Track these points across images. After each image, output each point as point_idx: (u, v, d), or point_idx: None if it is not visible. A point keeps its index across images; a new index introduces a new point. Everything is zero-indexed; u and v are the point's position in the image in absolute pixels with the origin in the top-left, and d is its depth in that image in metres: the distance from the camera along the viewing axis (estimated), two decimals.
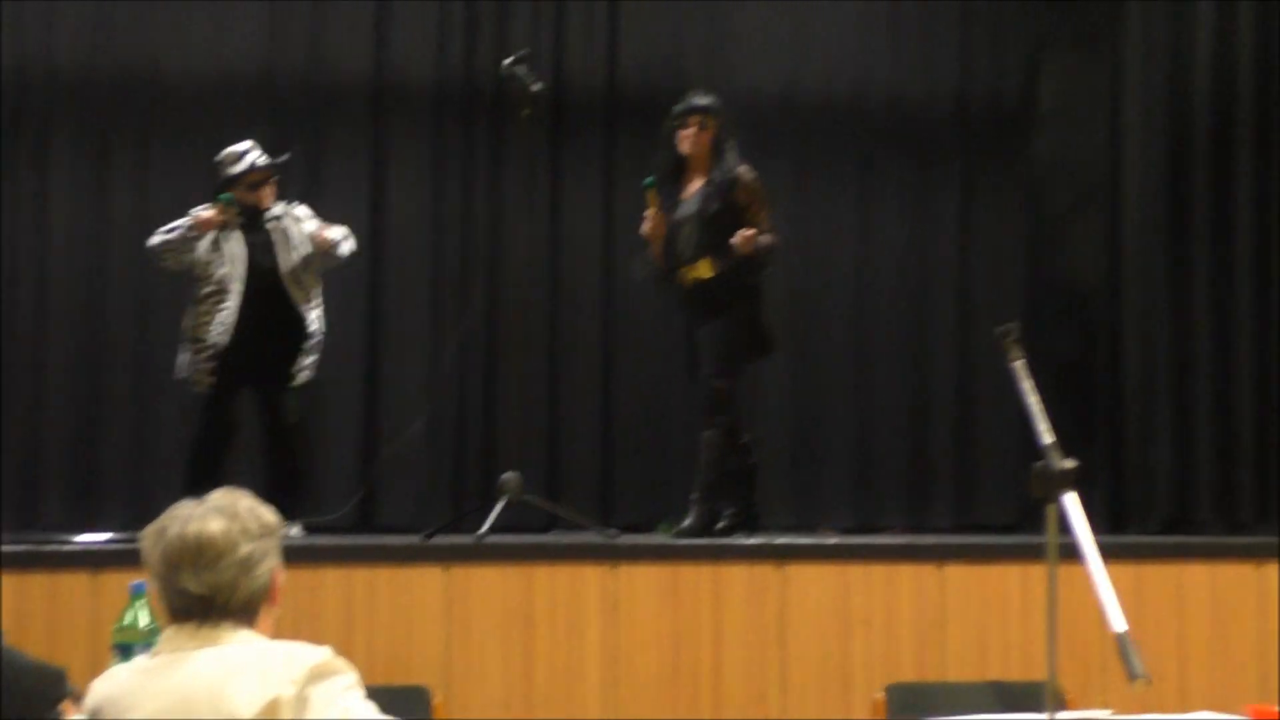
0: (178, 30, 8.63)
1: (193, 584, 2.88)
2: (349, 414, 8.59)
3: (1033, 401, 4.33)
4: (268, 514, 3.01)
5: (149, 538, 2.95)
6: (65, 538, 6.62)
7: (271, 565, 2.97)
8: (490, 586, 6.25)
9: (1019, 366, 4.51)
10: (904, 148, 9.21)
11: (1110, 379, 8.68)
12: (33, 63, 8.46)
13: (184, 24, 8.65)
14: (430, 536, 6.67)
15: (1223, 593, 6.58)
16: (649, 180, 7.10)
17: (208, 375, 7.02)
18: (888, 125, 9.21)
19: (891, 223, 9.17)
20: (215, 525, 2.91)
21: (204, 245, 7.07)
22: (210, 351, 7.00)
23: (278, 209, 7.30)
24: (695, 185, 7.20)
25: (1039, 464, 4.08)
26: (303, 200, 8.51)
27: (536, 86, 7.15)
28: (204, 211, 7.14)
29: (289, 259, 7.20)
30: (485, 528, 6.53)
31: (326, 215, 8.60)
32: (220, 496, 3.00)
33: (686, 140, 7.18)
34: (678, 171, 7.26)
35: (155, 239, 7.18)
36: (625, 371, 8.70)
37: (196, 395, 7.19)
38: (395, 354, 8.66)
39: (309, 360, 7.27)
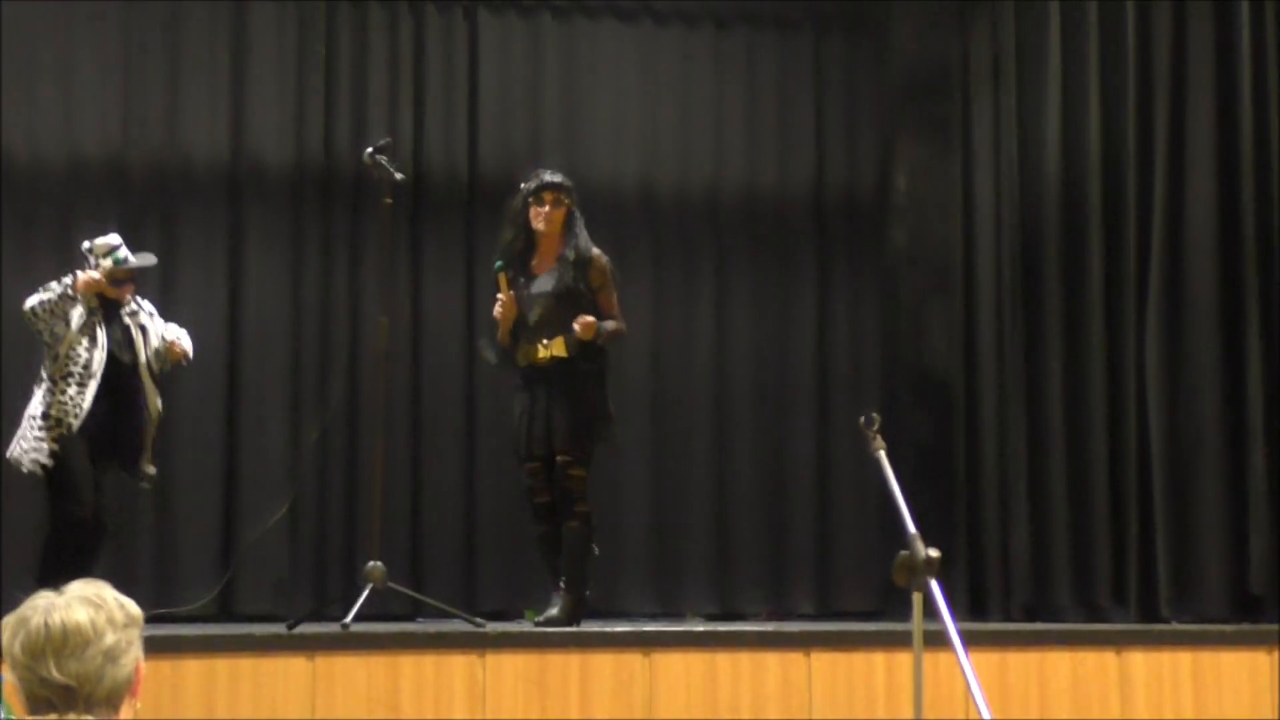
0: (29, 109, 8.52)
1: (57, 674, 2.81)
2: (207, 502, 8.46)
3: (896, 492, 4.37)
4: (131, 605, 2.95)
5: (8, 628, 2.87)
6: None
7: (135, 656, 2.90)
8: (356, 676, 6.16)
9: (882, 457, 4.57)
10: (761, 238, 9.34)
11: (968, 465, 8.79)
12: None
13: (35, 103, 8.55)
14: (294, 626, 6.57)
15: (1083, 680, 6.65)
16: (499, 264, 7.06)
17: (46, 456, 6.73)
18: (744, 216, 9.34)
19: (749, 312, 9.27)
20: (81, 614, 2.83)
21: (75, 324, 6.84)
22: (59, 432, 6.75)
23: (131, 305, 7.16)
24: (547, 263, 7.12)
25: (903, 553, 4.12)
26: (160, 285, 8.46)
27: (399, 175, 7.12)
28: (85, 274, 6.86)
29: (146, 353, 7.07)
30: (350, 616, 6.44)
31: (182, 300, 8.56)
32: (82, 586, 2.93)
33: (541, 217, 7.07)
34: (527, 249, 7.18)
35: (32, 300, 6.88)
36: (488, 457, 8.65)
37: (30, 476, 6.85)
38: (254, 441, 8.56)
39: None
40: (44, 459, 6.73)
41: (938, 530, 7.82)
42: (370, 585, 6.66)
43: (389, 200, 7.07)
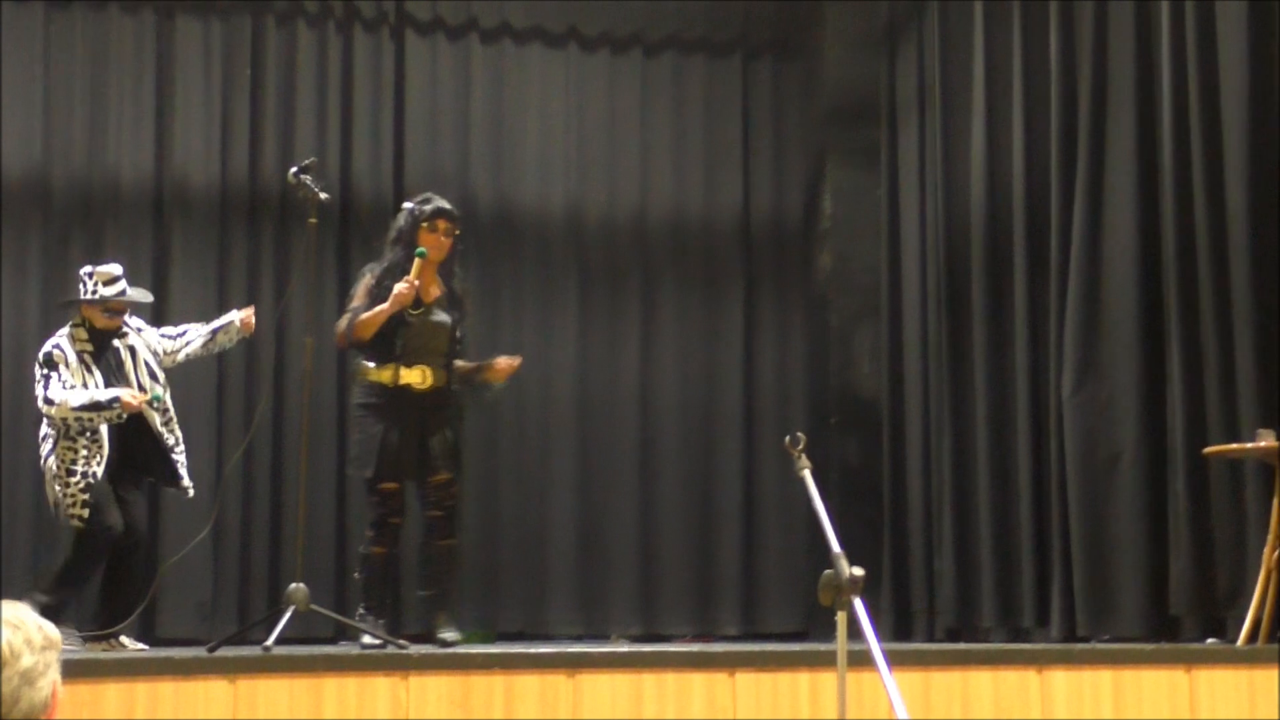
0: None
1: None
2: None
3: (821, 510, 4.39)
4: (50, 627, 2.91)
5: None
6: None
7: (53, 679, 2.87)
8: (278, 698, 6.10)
9: (807, 476, 4.59)
10: (688, 262, 9.38)
11: (894, 487, 8.84)
12: None
13: None
14: (215, 648, 6.51)
15: (1005, 698, 6.67)
16: (422, 251, 6.97)
17: (81, 508, 6.84)
18: (671, 240, 9.38)
19: (676, 335, 9.30)
20: None
21: (70, 382, 6.88)
22: (84, 483, 6.84)
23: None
24: (429, 289, 7.02)
25: (828, 572, 4.13)
26: None
27: (323, 195, 7.08)
28: (128, 397, 6.88)
29: (140, 372, 7.02)
30: (271, 639, 6.40)
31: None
32: (3, 608, 2.90)
33: (437, 244, 7.01)
34: (407, 270, 7.08)
35: (76, 403, 6.83)
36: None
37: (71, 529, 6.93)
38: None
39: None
40: (79, 511, 6.84)
41: (864, 552, 7.88)
42: (292, 607, 6.61)
43: (314, 220, 7.03)
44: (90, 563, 7.00)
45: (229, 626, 8.06)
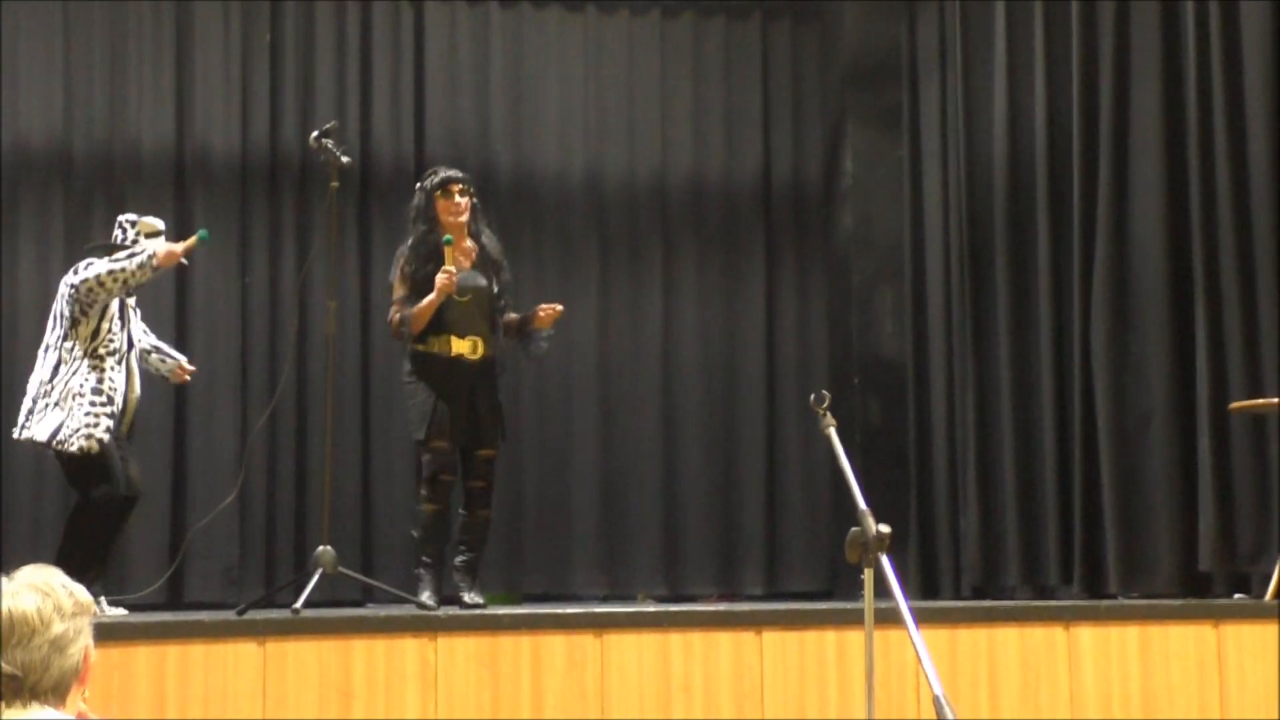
0: None
1: (3, 662, 2.78)
2: (155, 489, 8.40)
3: (846, 468, 4.39)
4: (81, 591, 2.91)
5: None
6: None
7: (84, 644, 2.86)
8: (307, 661, 6.13)
9: (832, 434, 4.59)
10: (708, 225, 9.36)
11: (918, 448, 8.83)
12: None
13: None
14: (244, 611, 6.54)
15: (1032, 655, 6.68)
16: (448, 238, 7.02)
17: (104, 432, 6.56)
18: (692, 203, 9.36)
19: (697, 298, 9.29)
20: (28, 602, 2.79)
21: (116, 301, 6.71)
22: (112, 409, 6.61)
23: None
24: (461, 258, 7.08)
25: (855, 529, 4.13)
26: None
27: (345, 159, 7.09)
28: (171, 246, 6.70)
29: (137, 333, 7.00)
30: (300, 601, 6.42)
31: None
32: (32, 572, 2.90)
33: (453, 208, 7.07)
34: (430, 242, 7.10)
35: (99, 268, 6.59)
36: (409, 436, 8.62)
37: (72, 457, 6.64)
38: (202, 428, 8.55)
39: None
40: (100, 434, 6.55)
41: (888, 513, 7.80)
42: (320, 570, 6.64)
43: (335, 184, 7.04)
44: (98, 526, 6.71)
45: (256, 590, 8.10)
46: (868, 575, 4.18)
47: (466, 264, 7.10)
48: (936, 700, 3.73)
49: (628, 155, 9.32)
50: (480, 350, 7.03)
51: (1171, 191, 7.46)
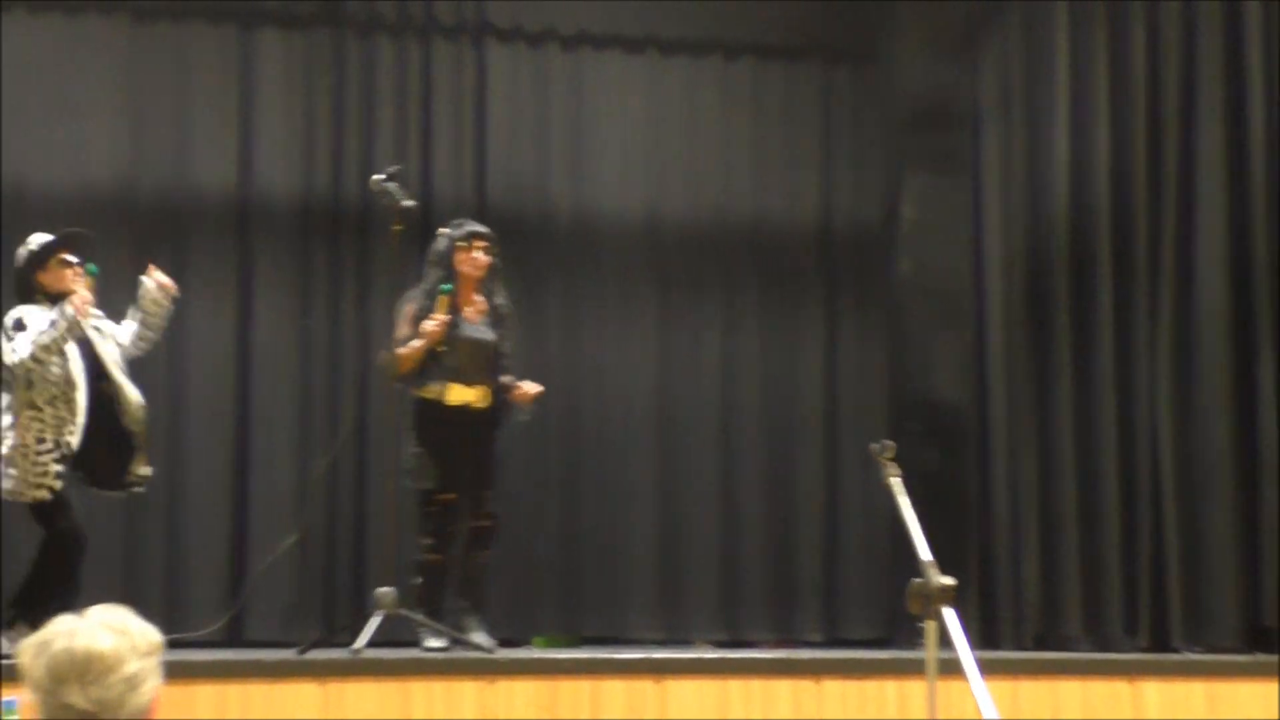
0: (39, 142, 8.57)
1: (79, 699, 2.80)
2: (216, 529, 8.50)
3: (910, 519, 4.39)
4: (152, 632, 2.95)
5: (30, 650, 2.87)
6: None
7: (155, 684, 2.91)
8: (367, 702, 6.18)
9: (895, 483, 4.59)
10: (767, 268, 9.36)
11: (978, 495, 8.80)
12: None
13: (45, 136, 8.59)
14: (305, 651, 6.58)
15: (1096, 709, 6.66)
16: (448, 287, 7.12)
17: (54, 479, 6.57)
18: (751, 246, 9.36)
19: (756, 342, 9.29)
20: (104, 640, 2.83)
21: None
22: (60, 453, 6.61)
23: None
24: (474, 308, 7.25)
25: (917, 580, 4.13)
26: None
27: (408, 202, 7.17)
28: (75, 299, 6.63)
29: (110, 349, 6.94)
30: (361, 642, 6.46)
31: (192, 332, 8.60)
32: (105, 612, 2.94)
33: (470, 262, 7.24)
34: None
35: (27, 349, 6.59)
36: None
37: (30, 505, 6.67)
38: (263, 469, 8.60)
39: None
40: (50, 481, 6.58)
41: (947, 561, 7.76)
42: (381, 611, 6.68)
43: (398, 227, 7.12)
44: (70, 563, 6.71)
45: (314, 630, 8.12)
46: (929, 628, 4.18)
47: (477, 317, 7.21)
48: None
49: (687, 198, 9.34)
50: (487, 399, 7.17)
51: (1236, 239, 7.44)
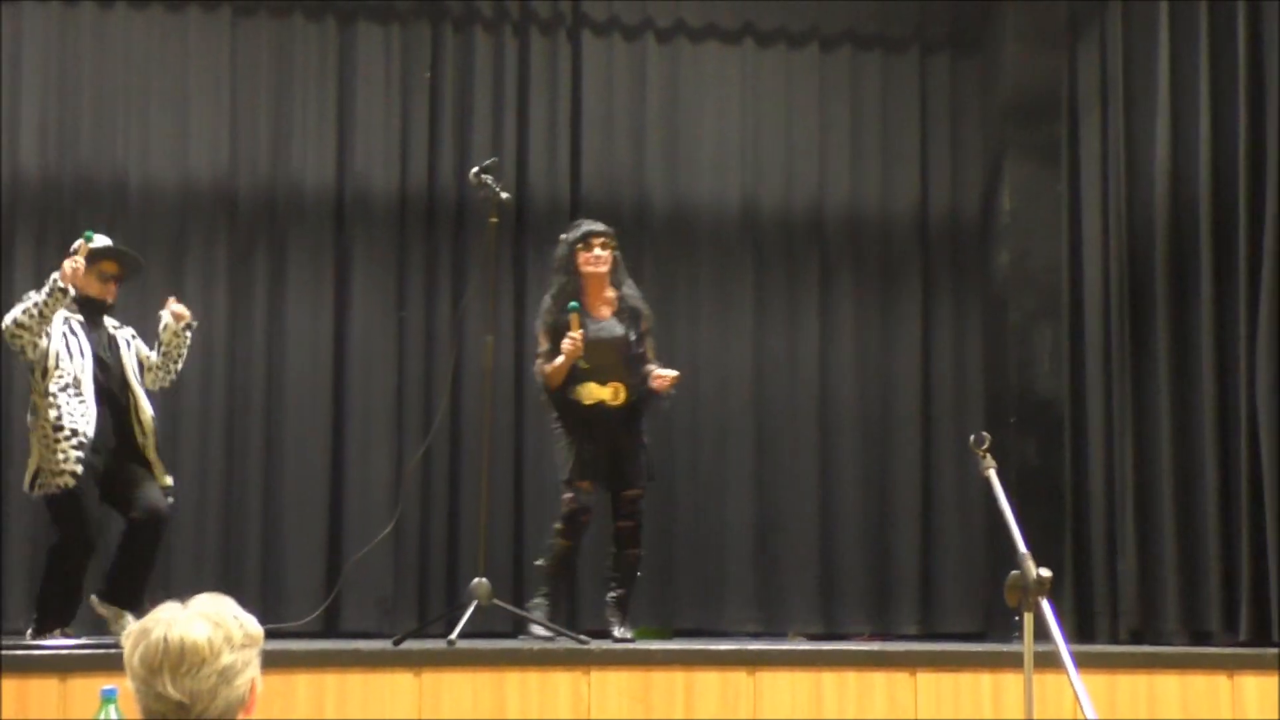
0: (141, 136, 8.73)
1: (172, 689, 2.83)
2: (312, 520, 8.62)
3: (1007, 511, 4.40)
4: (252, 623, 2.99)
5: (130, 638, 2.91)
6: (31, 642, 6.57)
7: (251, 676, 2.93)
8: (462, 692, 6.24)
9: (992, 475, 4.59)
10: (865, 260, 9.37)
11: (1074, 487, 8.76)
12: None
13: (147, 130, 8.75)
14: (401, 641, 6.67)
15: (1194, 703, 6.62)
16: (574, 305, 7.22)
17: (75, 464, 6.57)
18: (848, 237, 9.36)
19: (853, 334, 9.29)
20: (200, 631, 2.85)
21: (57, 335, 6.72)
22: (78, 440, 6.60)
23: (114, 321, 7.06)
24: (603, 307, 7.38)
25: (1014, 573, 4.14)
26: (267, 309, 8.64)
27: (505, 195, 7.25)
28: (67, 264, 6.63)
29: (135, 362, 7.01)
30: (455, 633, 6.54)
31: (288, 324, 8.73)
32: (206, 601, 2.97)
33: (592, 260, 7.36)
34: (576, 293, 7.37)
35: (13, 313, 6.67)
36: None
37: (51, 497, 6.68)
38: (359, 460, 8.71)
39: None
40: (73, 467, 6.58)
41: (1043, 554, 7.72)
42: (475, 601, 6.76)
43: (494, 219, 7.19)
44: (75, 569, 6.73)
45: (408, 621, 8.23)
46: (1027, 620, 4.18)
47: (608, 312, 7.29)
48: None
49: (784, 190, 9.35)
50: (622, 396, 7.28)
51: None
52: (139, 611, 6.69)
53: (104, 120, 8.71)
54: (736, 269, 9.22)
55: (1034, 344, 9.10)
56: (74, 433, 6.62)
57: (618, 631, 7.18)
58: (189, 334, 7.08)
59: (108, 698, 3.79)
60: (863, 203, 9.40)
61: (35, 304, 6.62)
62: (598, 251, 7.36)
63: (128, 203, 8.67)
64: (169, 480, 6.96)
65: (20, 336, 6.67)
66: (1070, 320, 8.93)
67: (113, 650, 6.14)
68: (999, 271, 9.23)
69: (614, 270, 7.43)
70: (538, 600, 7.34)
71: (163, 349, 7.04)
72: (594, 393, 7.26)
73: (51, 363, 6.68)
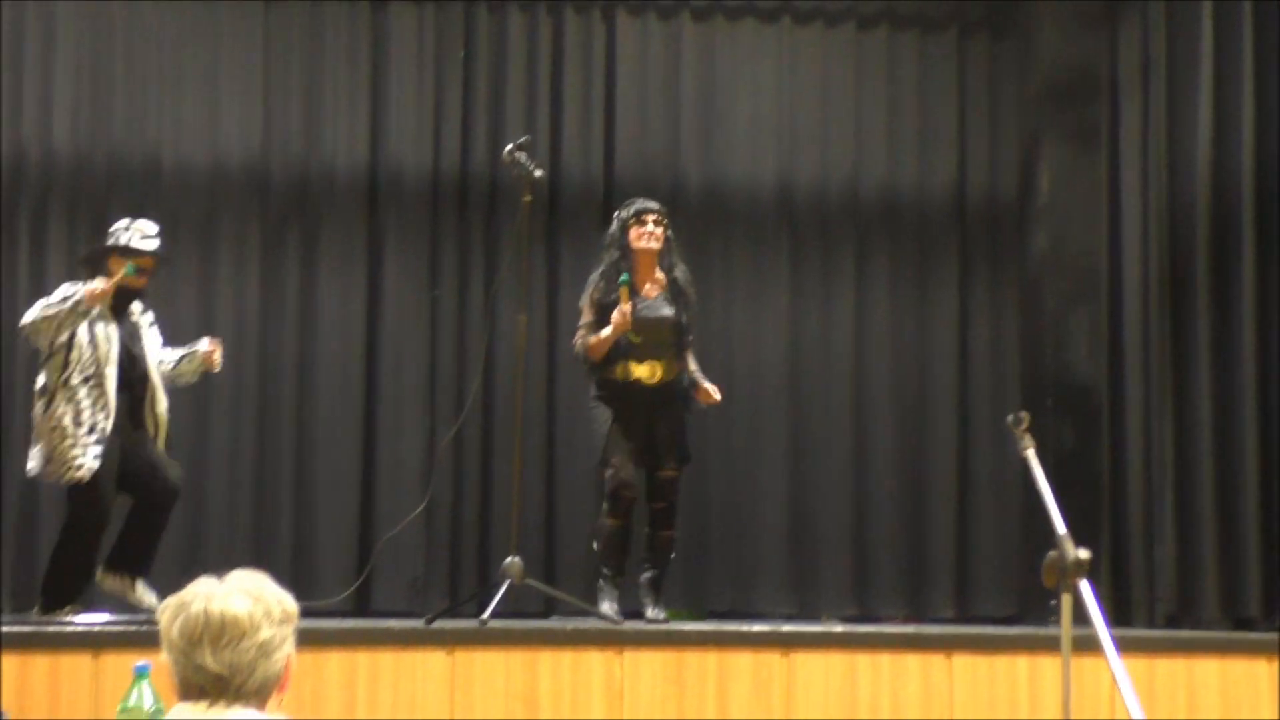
0: (174, 118, 8.74)
1: (211, 662, 2.85)
2: (344, 499, 8.63)
3: (1045, 491, 4.37)
4: (288, 600, 3.00)
5: (168, 610, 2.92)
6: (66, 618, 6.60)
7: (287, 652, 2.94)
8: (494, 671, 6.26)
9: (1030, 456, 4.57)
10: (900, 241, 9.33)
11: (1112, 472, 8.73)
12: (30, 147, 8.52)
13: (180, 112, 8.76)
14: (433, 620, 6.68)
15: (1234, 689, 6.60)
16: (625, 278, 7.22)
17: (93, 460, 6.63)
18: (884, 218, 9.33)
19: (888, 315, 9.26)
20: (240, 605, 2.87)
21: (82, 326, 6.75)
22: (96, 436, 6.66)
23: (139, 305, 7.10)
24: (652, 285, 7.36)
25: (1052, 554, 4.11)
26: (299, 289, 8.67)
27: (538, 173, 7.26)
28: (97, 284, 6.71)
29: (154, 351, 7.05)
30: (488, 612, 6.56)
31: (320, 305, 8.75)
32: (244, 576, 2.98)
33: (645, 237, 7.36)
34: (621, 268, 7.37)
35: (33, 314, 6.72)
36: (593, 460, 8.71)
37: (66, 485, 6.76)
38: (390, 440, 8.71)
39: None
40: (90, 463, 6.64)
41: (1081, 539, 7.69)
42: (508, 580, 6.76)
43: (528, 198, 7.19)
44: (86, 551, 6.78)
45: (440, 601, 8.24)
46: (1065, 601, 4.16)
47: (655, 292, 7.29)
48: None
49: (819, 169, 9.31)
50: (659, 375, 7.30)
51: None
52: (148, 579, 6.77)
53: (136, 101, 8.72)
54: (771, 250, 9.19)
55: (1071, 328, 9.06)
56: (93, 429, 6.68)
57: (650, 612, 7.18)
58: (205, 374, 7.19)
59: (141, 674, 3.80)
60: (899, 184, 9.36)
61: (57, 312, 6.68)
62: (650, 227, 7.36)
63: (160, 184, 8.68)
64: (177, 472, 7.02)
65: (38, 338, 6.76)
66: (1109, 304, 8.89)
67: (144, 627, 6.19)
68: (1036, 255, 9.19)
69: (665, 250, 7.44)
70: (601, 583, 7.27)
71: (175, 369, 7.10)
72: (632, 370, 7.26)
73: (75, 355, 6.73)
